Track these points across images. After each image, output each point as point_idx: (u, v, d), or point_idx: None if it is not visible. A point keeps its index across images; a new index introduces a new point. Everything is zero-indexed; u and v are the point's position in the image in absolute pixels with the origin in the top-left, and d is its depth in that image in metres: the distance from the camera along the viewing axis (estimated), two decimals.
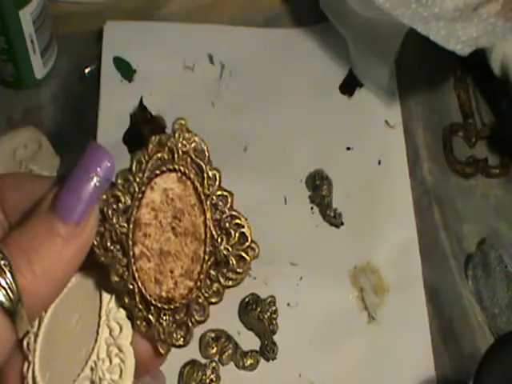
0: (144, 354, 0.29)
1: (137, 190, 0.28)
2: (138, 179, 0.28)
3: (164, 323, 0.29)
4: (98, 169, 0.26)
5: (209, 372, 0.49)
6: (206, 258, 0.28)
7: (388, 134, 0.60)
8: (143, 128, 0.58)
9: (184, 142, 0.29)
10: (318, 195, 0.56)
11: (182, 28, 0.63)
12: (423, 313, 0.52)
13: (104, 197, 0.28)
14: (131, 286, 0.28)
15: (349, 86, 0.61)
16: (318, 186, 0.56)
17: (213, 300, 0.28)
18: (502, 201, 0.57)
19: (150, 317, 0.28)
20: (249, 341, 0.50)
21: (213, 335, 0.50)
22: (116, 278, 0.28)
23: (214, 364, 0.49)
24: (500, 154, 0.59)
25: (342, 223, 0.55)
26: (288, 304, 0.52)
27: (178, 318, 0.29)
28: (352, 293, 0.53)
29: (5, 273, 0.25)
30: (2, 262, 0.25)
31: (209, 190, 0.28)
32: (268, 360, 0.50)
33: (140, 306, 0.29)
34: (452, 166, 0.58)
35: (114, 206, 0.28)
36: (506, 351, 0.40)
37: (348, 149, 0.59)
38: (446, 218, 0.56)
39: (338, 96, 0.61)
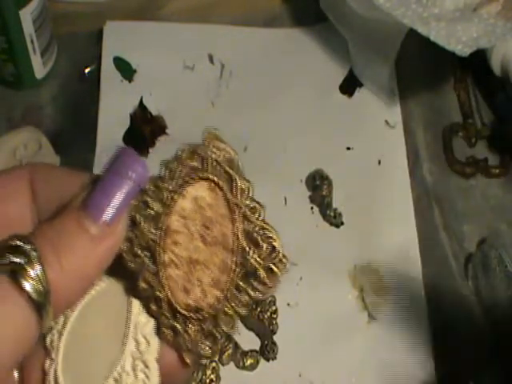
0: (170, 365, 0.28)
1: (167, 197, 0.28)
2: (168, 186, 0.28)
3: (191, 332, 0.28)
4: (131, 173, 0.26)
5: (209, 372, 0.49)
6: (235, 268, 0.28)
7: (388, 134, 0.60)
8: (143, 128, 0.58)
9: (216, 151, 0.29)
10: (318, 195, 0.56)
11: (182, 28, 0.63)
12: (423, 313, 0.52)
13: (134, 202, 0.28)
14: (159, 294, 0.28)
15: (349, 85, 0.62)
16: (318, 185, 0.56)
17: (241, 311, 0.28)
18: (501, 201, 0.57)
19: (177, 325, 0.28)
20: (249, 341, 0.50)
21: None
22: (144, 285, 0.28)
23: (213, 364, 0.49)
24: (500, 154, 0.59)
25: (342, 223, 0.55)
26: (288, 304, 0.52)
27: (205, 327, 0.28)
28: (352, 293, 0.53)
29: (33, 264, 0.24)
30: (33, 253, 0.24)
31: (239, 200, 0.28)
32: (268, 360, 0.50)
33: (167, 314, 0.28)
34: (452, 166, 0.58)
35: (144, 213, 0.28)
36: (506, 352, 0.41)
37: (348, 149, 0.59)
38: (446, 218, 0.56)
39: (338, 96, 0.61)
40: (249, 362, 0.50)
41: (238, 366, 0.50)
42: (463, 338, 0.51)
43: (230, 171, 0.28)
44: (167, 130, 0.58)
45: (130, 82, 0.60)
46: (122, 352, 0.27)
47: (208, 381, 0.49)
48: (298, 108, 0.60)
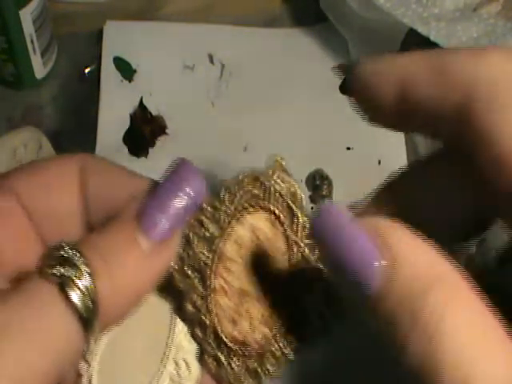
0: None
1: (224, 220, 0.27)
2: (226, 210, 0.27)
3: (234, 366, 0.27)
4: (189, 189, 0.25)
5: None
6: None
7: (388, 133, 0.59)
8: (143, 128, 0.58)
9: (279, 181, 0.28)
10: (318, 195, 0.56)
11: (182, 28, 0.63)
12: None
13: (189, 220, 0.26)
14: (205, 320, 0.27)
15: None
16: (318, 185, 0.56)
17: (289, 356, 0.27)
18: None
19: (221, 356, 0.27)
20: None
21: None
22: (190, 308, 0.27)
23: None
24: None
25: None
26: None
27: (249, 364, 0.27)
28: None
29: (84, 278, 0.23)
30: (84, 267, 0.23)
31: (299, 238, 0.27)
32: None
33: (211, 342, 0.27)
34: None
35: (199, 232, 0.27)
36: None
37: (348, 149, 0.59)
38: None
39: (338, 96, 0.61)
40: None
41: None
42: None
43: (293, 206, 0.27)
44: (167, 130, 0.58)
45: (130, 81, 0.60)
46: (161, 372, 0.27)
47: None
48: (297, 108, 0.60)
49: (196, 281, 0.27)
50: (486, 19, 0.52)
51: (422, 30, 0.52)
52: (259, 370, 0.27)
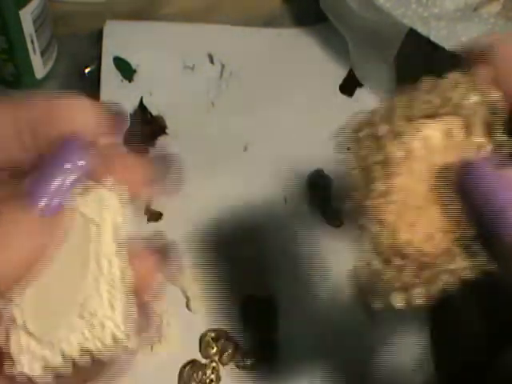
0: (138, 279, 0.27)
1: (398, 125, 0.26)
2: (399, 113, 0.26)
3: (404, 272, 0.26)
4: (71, 161, 0.26)
5: (209, 372, 0.49)
6: (459, 227, 0.25)
7: None
8: (143, 128, 0.58)
9: (460, 91, 0.26)
10: (318, 195, 0.56)
11: (182, 28, 0.63)
12: (423, 313, 0.52)
13: (361, 119, 0.26)
14: (381, 220, 0.26)
15: (349, 85, 0.62)
16: (318, 185, 0.56)
17: (467, 275, 0.25)
18: None
19: (394, 259, 0.26)
20: (249, 341, 0.50)
21: (213, 335, 0.50)
22: (368, 204, 0.26)
23: (213, 364, 0.49)
24: None
25: (342, 223, 0.55)
26: (288, 304, 0.52)
27: (420, 274, 0.26)
28: (351, 293, 0.53)
29: None
30: None
31: (474, 148, 0.25)
32: (268, 360, 0.50)
33: (383, 244, 0.26)
34: None
35: (370, 131, 0.26)
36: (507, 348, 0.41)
37: (348, 149, 0.59)
38: None
39: (338, 96, 0.61)
40: (249, 361, 0.50)
41: (238, 366, 0.50)
42: (463, 338, 0.51)
43: (471, 119, 0.25)
44: (167, 130, 0.58)
45: (130, 81, 0.60)
46: (84, 276, 0.26)
47: (208, 381, 0.49)
48: (297, 108, 0.60)
49: (376, 180, 0.27)
50: (486, 19, 0.52)
51: (422, 30, 0.52)
52: (432, 277, 0.26)
